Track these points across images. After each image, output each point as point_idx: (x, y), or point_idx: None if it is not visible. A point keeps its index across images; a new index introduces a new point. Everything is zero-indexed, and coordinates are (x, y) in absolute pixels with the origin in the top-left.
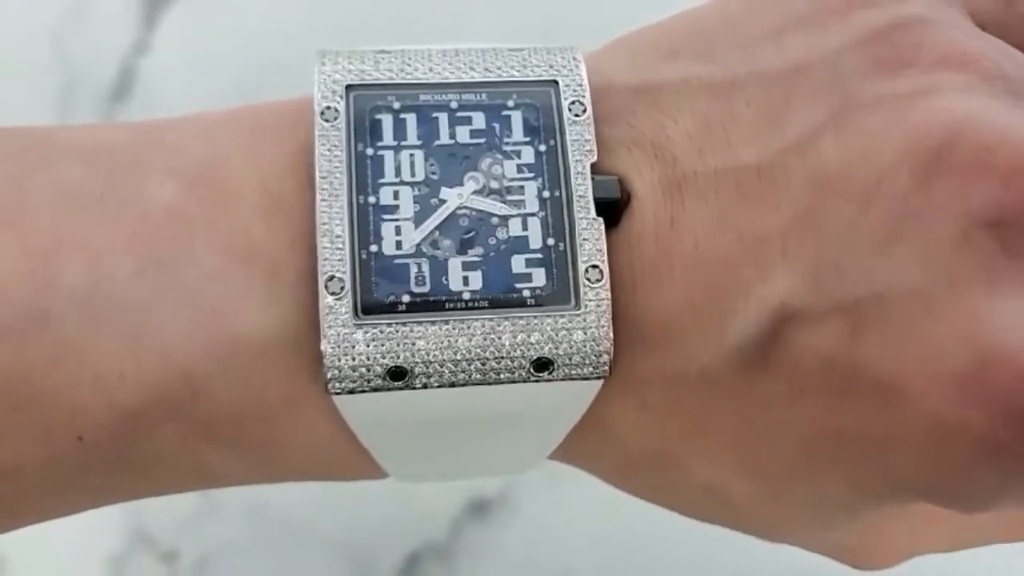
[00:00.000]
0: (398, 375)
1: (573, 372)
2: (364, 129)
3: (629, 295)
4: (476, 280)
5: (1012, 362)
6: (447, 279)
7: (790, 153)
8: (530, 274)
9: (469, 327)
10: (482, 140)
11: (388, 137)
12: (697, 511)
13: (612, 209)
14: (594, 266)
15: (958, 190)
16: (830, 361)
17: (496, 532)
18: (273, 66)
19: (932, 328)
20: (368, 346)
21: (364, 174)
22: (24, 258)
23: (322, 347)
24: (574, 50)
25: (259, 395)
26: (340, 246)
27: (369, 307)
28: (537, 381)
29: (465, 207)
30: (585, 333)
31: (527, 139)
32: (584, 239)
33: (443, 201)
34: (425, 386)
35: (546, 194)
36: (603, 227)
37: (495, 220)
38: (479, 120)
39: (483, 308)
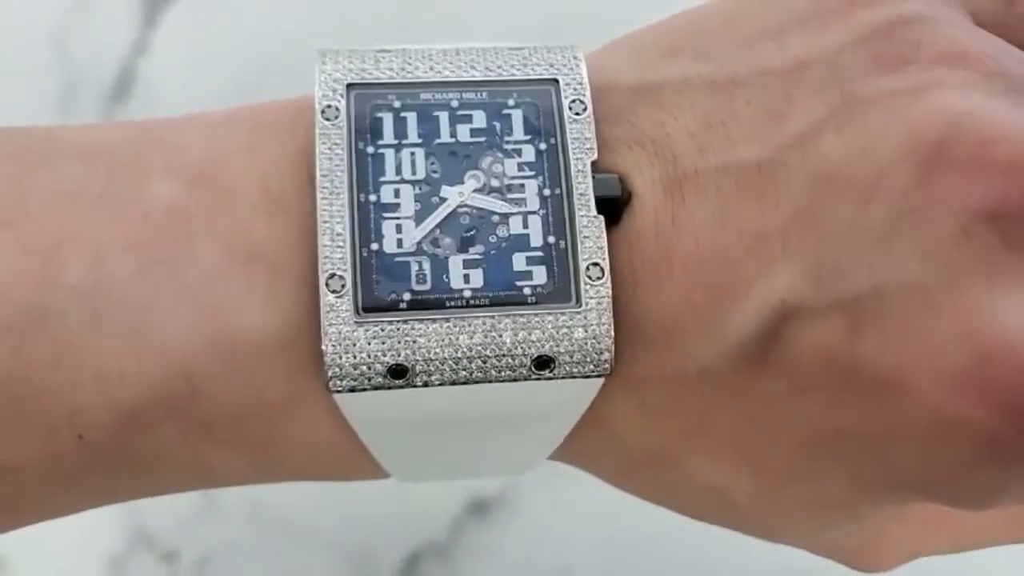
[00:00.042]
0: (399, 373)
1: (574, 370)
2: (365, 128)
3: (630, 293)
4: (477, 278)
5: (1013, 356)
6: (448, 277)
7: (790, 150)
8: (531, 272)
9: (470, 325)
10: (483, 139)
11: (389, 135)
12: (698, 511)
13: (613, 207)
14: (595, 264)
15: (958, 185)
16: (830, 357)
17: (496, 532)
18: (273, 66)
19: (932, 323)
20: (369, 344)
21: (365, 172)
22: (24, 257)
23: (323, 345)
24: (574, 49)
25: (259, 394)
26: (341, 244)
27: (370, 305)
28: (538, 379)
29: (466, 205)
30: (586, 331)
31: (528, 137)
32: (585, 237)
33: (444, 199)
34: (426, 384)
35: (547, 192)
36: (604, 225)
37: (496, 218)
38: (480, 119)
39: (484, 306)
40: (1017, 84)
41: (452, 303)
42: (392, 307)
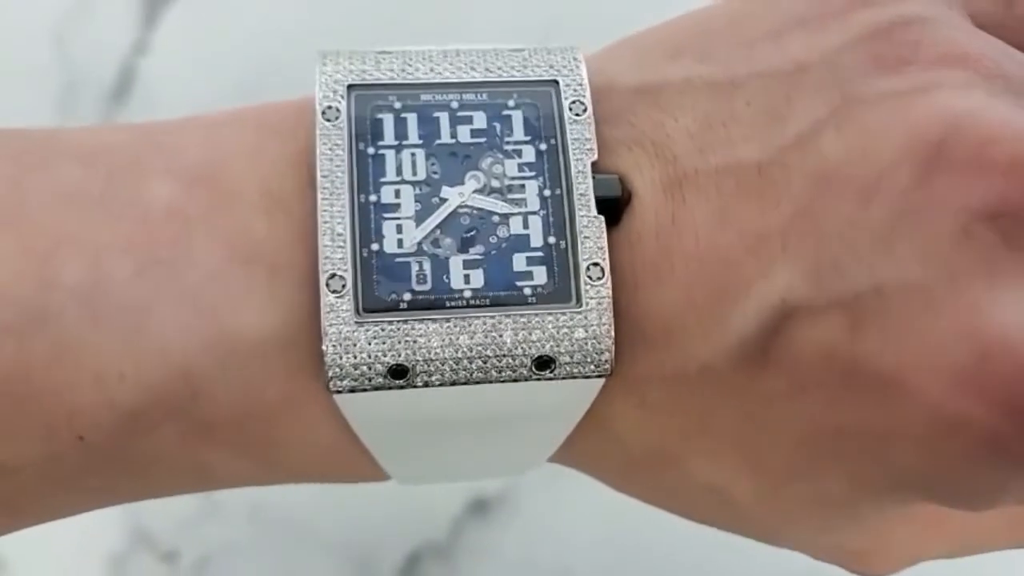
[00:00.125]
0: (399, 373)
1: (574, 370)
2: (365, 128)
3: (630, 293)
4: (477, 278)
5: (1013, 355)
6: (448, 277)
7: (790, 150)
8: (531, 272)
9: (470, 325)
10: (483, 139)
11: (389, 136)
12: (699, 513)
13: (613, 207)
14: (595, 264)
15: (958, 185)
16: (830, 356)
17: (496, 532)
18: (273, 66)
19: (932, 322)
20: (369, 344)
21: (365, 173)
22: (24, 258)
23: (323, 345)
24: (574, 50)
25: (259, 395)
26: (341, 244)
27: (370, 305)
28: (538, 379)
29: (466, 206)
30: (586, 331)
31: (528, 138)
32: (585, 237)
33: (444, 200)
34: (426, 384)
35: (547, 192)
36: (604, 225)
37: (496, 218)
38: (480, 119)
39: (484, 306)
40: (1017, 85)
41: (452, 303)
42: (392, 307)
